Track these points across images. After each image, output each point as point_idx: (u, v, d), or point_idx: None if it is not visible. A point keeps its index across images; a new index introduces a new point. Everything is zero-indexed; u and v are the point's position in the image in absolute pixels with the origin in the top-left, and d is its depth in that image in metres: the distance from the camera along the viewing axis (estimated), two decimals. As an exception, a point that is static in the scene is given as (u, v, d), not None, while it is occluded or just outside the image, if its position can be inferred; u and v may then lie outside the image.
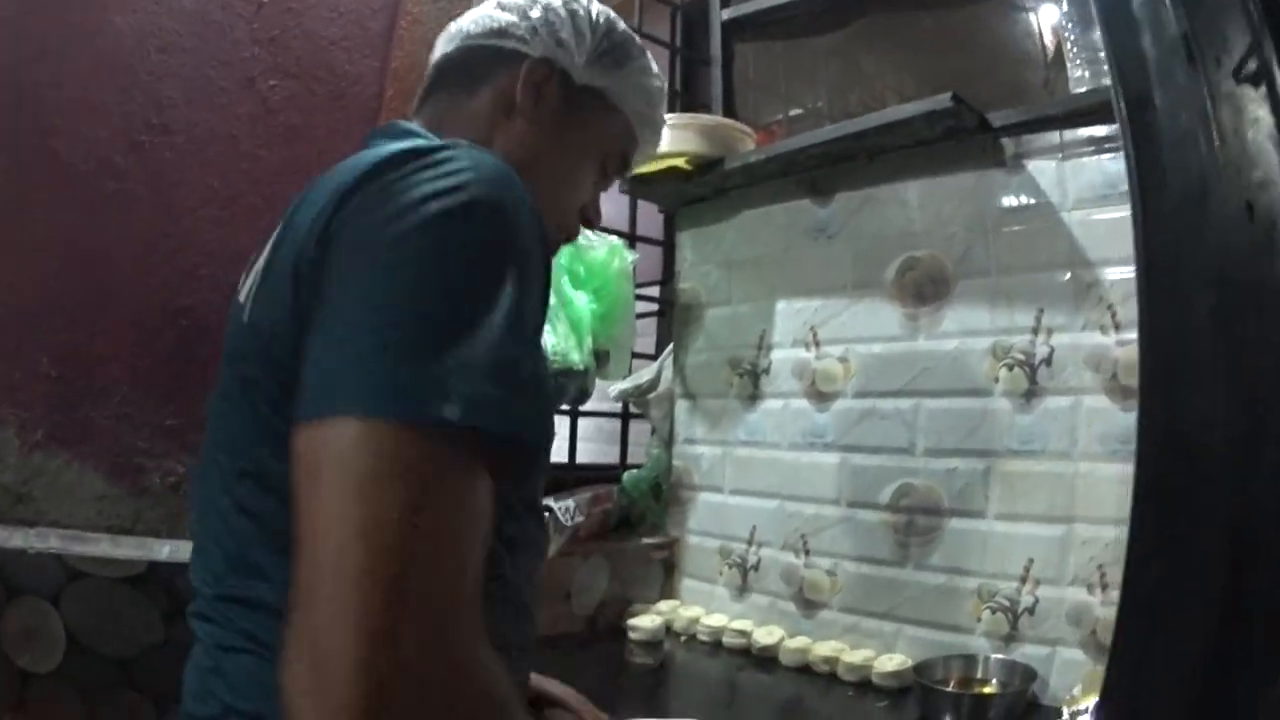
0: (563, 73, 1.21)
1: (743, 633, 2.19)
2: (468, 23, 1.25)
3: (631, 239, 2.72)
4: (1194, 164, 1.03)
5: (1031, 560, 1.84)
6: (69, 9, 1.83)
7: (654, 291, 2.84)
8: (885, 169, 2.17)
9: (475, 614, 0.71)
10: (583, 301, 2.32)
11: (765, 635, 2.15)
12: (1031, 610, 1.82)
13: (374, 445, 0.69)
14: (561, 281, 2.29)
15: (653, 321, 2.88)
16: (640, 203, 2.75)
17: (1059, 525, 1.81)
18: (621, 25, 1.28)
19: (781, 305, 2.38)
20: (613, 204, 2.74)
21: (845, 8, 2.49)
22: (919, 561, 2.02)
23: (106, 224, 1.82)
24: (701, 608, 2.41)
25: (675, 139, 2.35)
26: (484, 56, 1.21)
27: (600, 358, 2.37)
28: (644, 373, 2.71)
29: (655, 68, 1.32)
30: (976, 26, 2.18)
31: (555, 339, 2.19)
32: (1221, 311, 0.99)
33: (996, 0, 2.16)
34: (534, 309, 0.85)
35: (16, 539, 1.65)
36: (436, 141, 0.93)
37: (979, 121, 1.92)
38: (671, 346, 2.68)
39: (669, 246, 2.79)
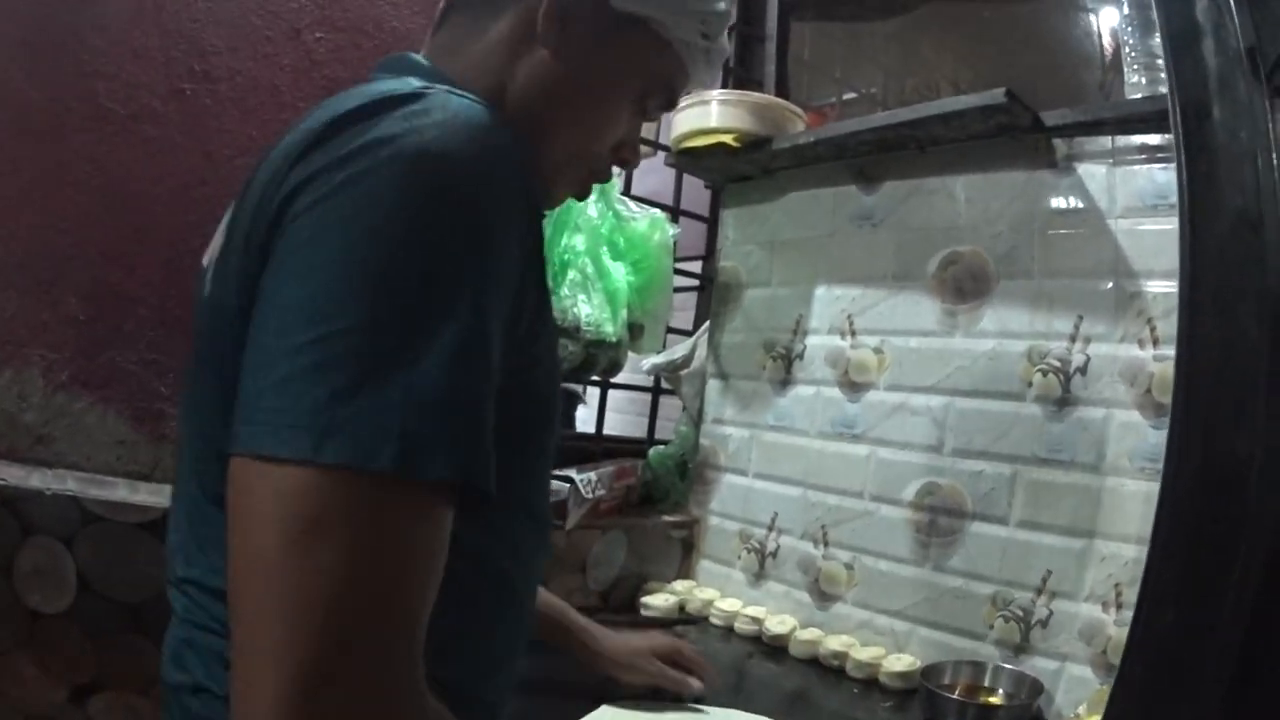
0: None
1: (756, 620, 2.17)
2: None
3: (675, 213, 2.70)
4: (1251, 184, 0.98)
5: (1050, 572, 1.81)
6: (114, -50, 1.82)
7: (696, 267, 2.82)
8: (935, 161, 2.12)
9: (413, 669, 0.68)
10: (620, 273, 2.31)
11: (778, 624, 2.13)
12: (1045, 623, 1.80)
13: (300, 493, 0.65)
14: (600, 253, 2.27)
15: (692, 296, 2.86)
16: (686, 176, 2.72)
17: (1080, 539, 1.78)
18: None
19: (820, 291, 2.35)
20: (658, 177, 2.74)
21: (907, -7, 2.45)
22: (938, 562, 2.00)
23: (143, 168, 1.82)
24: (717, 590, 2.40)
25: (725, 115, 2.33)
26: None
27: (634, 330, 2.36)
28: (678, 348, 2.70)
29: None
30: (1037, 23, 2.14)
31: (590, 309, 2.18)
32: (1276, 342, 0.94)
33: (1057, -1, 2.12)
34: (501, 301, 0.77)
35: (35, 479, 1.65)
36: (407, 89, 0.82)
37: (1032, 120, 1.87)
38: (708, 324, 2.65)
39: (713, 222, 2.77)
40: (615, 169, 1.22)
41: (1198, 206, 1.01)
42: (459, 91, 0.85)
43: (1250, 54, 1.01)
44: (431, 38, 1.08)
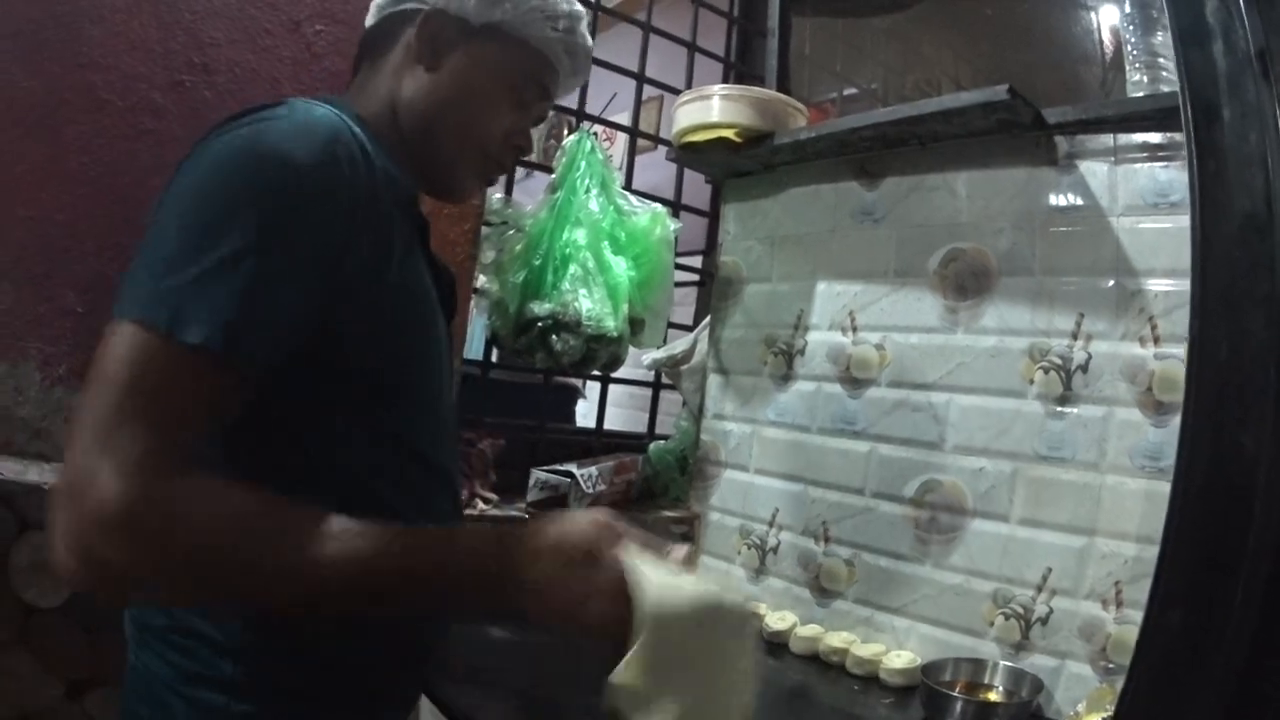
0: (458, 18, 1.29)
1: (755, 616, 2.16)
2: None
3: (676, 207, 2.69)
4: (1260, 188, 0.98)
5: (1050, 569, 1.80)
6: (112, -59, 1.81)
7: (696, 262, 2.81)
8: (936, 157, 2.12)
9: (172, 461, 0.90)
10: (621, 268, 2.30)
11: (777, 620, 2.13)
12: (1045, 620, 1.79)
13: (119, 340, 0.92)
14: (602, 247, 2.26)
15: (692, 291, 2.86)
16: (687, 171, 2.72)
17: (1080, 536, 1.77)
18: None
19: (822, 286, 2.34)
20: (659, 171, 2.73)
21: (908, -11, 2.45)
22: (938, 559, 1.99)
23: (141, 160, 1.81)
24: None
25: (726, 110, 2.32)
26: (394, 21, 1.32)
27: (635, 325, 2.35)
28: (679, 343, 2.69)
29: None
30: (1037, 20, 2.13)
31: (591, 304, 2.17)
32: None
33: (1058, -4, 2.12)
34: (297, 250, 1.00)
35: (32, 473, 1.64)
36: (270, 104, 1.09)
37: (1034, 117, 1.87)
38: (709, 319, 2.65)
39: (714, 217, 2.76)
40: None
41: (1208, 209, 1.00)
42: (321, 105, 1.11)
43: (1260, 56, 1.00)
44: (350, 83, 1.38)
